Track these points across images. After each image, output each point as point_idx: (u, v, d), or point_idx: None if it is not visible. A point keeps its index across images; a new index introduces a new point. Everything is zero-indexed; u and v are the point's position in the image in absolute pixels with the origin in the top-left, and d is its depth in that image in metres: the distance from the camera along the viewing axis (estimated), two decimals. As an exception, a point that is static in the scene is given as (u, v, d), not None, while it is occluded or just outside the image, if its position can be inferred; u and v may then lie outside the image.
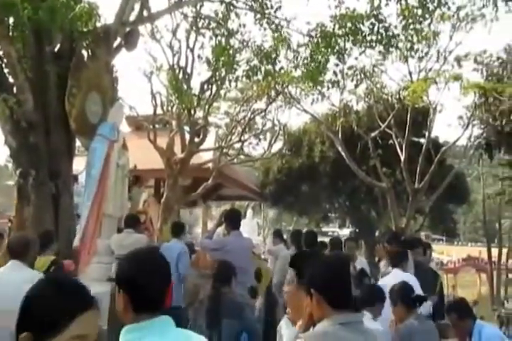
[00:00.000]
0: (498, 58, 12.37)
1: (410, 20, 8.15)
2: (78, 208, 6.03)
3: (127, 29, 6.59)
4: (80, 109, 5.90)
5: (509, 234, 33.30)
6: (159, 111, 10.34)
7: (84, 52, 6.19)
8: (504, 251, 33.02)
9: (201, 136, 10.48)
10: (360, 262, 5.75)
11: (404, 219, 14.85)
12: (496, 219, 31.27)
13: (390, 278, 4.43)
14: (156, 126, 10.60)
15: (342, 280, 1.88)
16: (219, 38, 8.04)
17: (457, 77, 11.44)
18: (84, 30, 6.27)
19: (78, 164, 6.58)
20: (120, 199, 6.19)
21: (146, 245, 5.40)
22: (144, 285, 1.52)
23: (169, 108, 10.29)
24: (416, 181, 14.21)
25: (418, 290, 4.01)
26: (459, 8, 11.30)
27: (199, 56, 8.90)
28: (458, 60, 13.03)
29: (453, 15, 11.05)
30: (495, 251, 31.42)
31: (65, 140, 5.95)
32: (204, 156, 11.52)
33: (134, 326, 1.50)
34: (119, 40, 6.58)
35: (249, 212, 19.01)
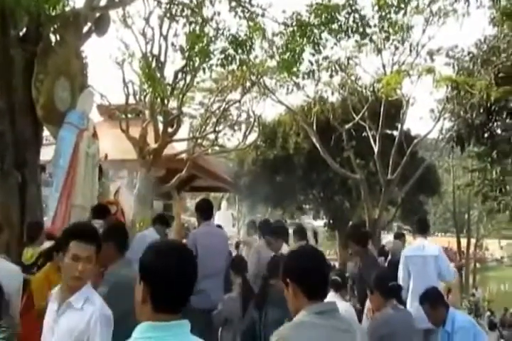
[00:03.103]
0: (469, 53, 12.59)
1: (386, 10, 8.17)
2: (46, 199, 5.84)
3: (97, 14, 6.36)
4: (47, 95, 5.66)
5: (477, 225, 34.40)
6: (132, 100, 10.10)
7: (52, 37, 5.94)
8: (472, 241, 34.14)
9: (175, 126, 10.31)
10: None
11: (377, 210, 15.11)
12: (465, 210, 32.20)
13: None
14: (129, 115, 10.37)
15: (317, 271, 1.89)
16: (193, 25, 7.87)
17: (430, 70, 11.62)
18: (52, 13, 6.01)
19: (46, 153, 6.35)
20: (90, 189, 6.02)
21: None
22: (171, 279, 1.40)
23: (142, 97, 10.06)
24: (389, 173, 14.44)
25: None
26: (431, 2, 11.45)
27: (173, 44, 8.72)
28: (430, 53, 13.24)
29: (427, 7, 11.16)
30: (464, 241, 32.39)
31: (32, 128, 5.71)
32: (178, 147, 11.36)
33: (150, 326, 1.39)
34: (89, 25, 6.35)
35: (224, 203, 18.96)
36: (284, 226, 5.77)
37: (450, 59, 12.98)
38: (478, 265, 38.18)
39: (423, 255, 4.95)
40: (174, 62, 9.21)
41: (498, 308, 21.90)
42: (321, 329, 1.78)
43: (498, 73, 11.27)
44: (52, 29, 5.92)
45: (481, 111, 11.78)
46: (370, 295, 3.82)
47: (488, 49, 11.79)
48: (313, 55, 8.80)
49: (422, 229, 5.28)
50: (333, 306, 1.88)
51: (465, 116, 11.95)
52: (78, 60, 6.25)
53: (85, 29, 6.34)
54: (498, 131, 12.44)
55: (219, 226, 6.27)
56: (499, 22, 9.49)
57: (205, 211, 4.96)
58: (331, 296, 3.96)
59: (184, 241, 6.17)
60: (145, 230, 5.97)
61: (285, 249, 4.97)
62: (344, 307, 3.86)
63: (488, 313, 21.02)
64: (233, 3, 7.72)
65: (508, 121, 11.77)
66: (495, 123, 12.35)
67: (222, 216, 16.89)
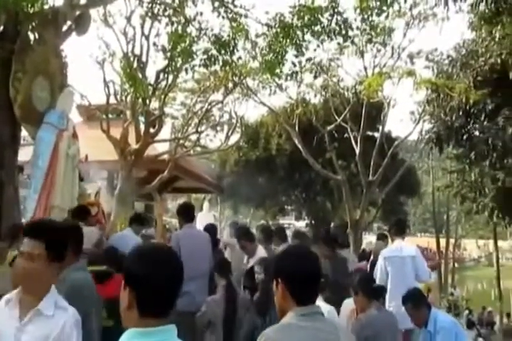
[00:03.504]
0: (449, 56, 12.83)
1: (368, 13, 8.25)
2: (24, 200, 5.72)
3: (78, 12, 6.25)
4: (25, 95, 5.54)
5: (456, 225, 35.00)
6: (112, 100, 9.96)
7: (31, 35, 5.82)
8: (451, 241, 34.72)
9: (157, 127, 10.21)
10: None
11: (358, 210, 15.23)
12: (444, 211, 32.72)
13: None
14: (109, 115, 10.22)
15: (310, 276, 1.86)
16: (175, 25, 7.80)
17: (410, 73, 11.79)
18: (31, 11, 5.89)
19: (24, 154, 6.21)
20: (70, 191, 5.92)
21: (98, 238, 5.20)
22: (157, 284, 1.37)
23: (123, 97, 9.93)
24: (370, 174, 14.58)
25: None
26: (412, 6, 11.64)
27: (155, 44, 8.61)
28: (410, 56, 13.47)
29: (408, 11, 11.32)
30: (443, 241, 32.93)
31: (10, 128, 5.58)
32: (159, 147, 11.26)
33: (137, 332, 1.36)
34: (68, 23, 6.24)
35: (206, 204, 18.85)
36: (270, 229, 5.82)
37: (430, 62, 13.23)
38: (456, 264, 38.84)
39: (401, 256, 5.04)
40: (156, 62, 9.12)
41: (475, 307, 22.32)
42: (306, 331, 1.79)
43: (476, 77, 11.50)
44: (30, 27, 5.80)
45: (460, 113, 12.00)
46: (354, 296, 3.85)
47: (467, 53, 12.02)
48: (296, 56, 8.82)
49: (400, 230, 5.36)
50: (318, 309, 1.88)
51: (444, 118, 12.16)
52: (57, 58, 6.13)
53: (65, 27, 6.23)
54: (477, 133, 12.67)
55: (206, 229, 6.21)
56: (477, 27, 9.70)
57: (187, 214, 4.97)
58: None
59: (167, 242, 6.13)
60: (124, 230, 5.88)
61: (262, 253, 4.98)
62: (327, 308, 3.90)
63: (467, 312, 21.39)
64: (216, 4, 7.69)
65: (486, 123, 12.00)
66: (473, 126, 12.59)
67: (204, 217, 16.74)
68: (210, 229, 5.91)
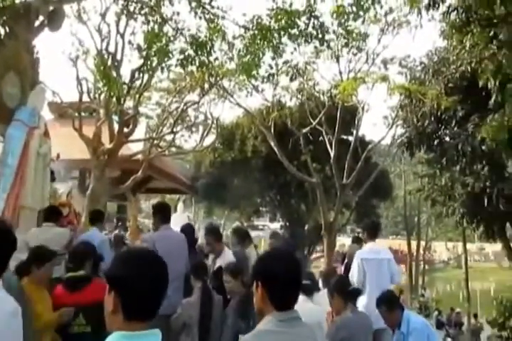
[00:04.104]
0: (421, 63, 13.13)
1: (345, 17, 8.36)
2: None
3: (51, 7, 6.12)
4: (-6, 91, 5.40)
5: (426, 228, 35.77)
6: (85, 98, 9.80)
7: (1, 29, 5.67)
8: (422, 243, 35.46)
9: (131, 126, 10.08)
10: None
11: (332, 213, 15.38)
12: (416, 214, 33.41)
13: None
14: (82, 113, 10.04)
15: (290, 281, 1.84)
16: (152, 24, 7.72)
17: (384, 78, 12.01)
18: (2, 5, 5.74)
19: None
20: (41, 190, 5.78)
21: (69, 240, 5.08)
22: (142, 288, 1.37)
23: (96, 95, 9.77)
24: (344, 177, 14.74)
25: None
26: (387, 13, 11.88)
27: (130, 42, 8.49)
28: (385, 62, 13.72)
29: (383, 17, 11.52)
30: (414, 244, 33.59)
31: (-23, 125, 5.43)
32: (134, 147, 11.13)
33: (122, 335, 1.36)
34: (41, 19, 6.10)
35: (180, 205, 18.70)
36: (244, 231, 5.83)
37: (403, 68, 13.51)
38: (426, 266, 39.67)
39: (379, 258, 5.13)
40: (131, 61, 8.98)
41: (445, 308, 22.82)
42: (284, 336, 1.79)
43: (447, 83, 11.80)
44: (1, 21, 5.65)
45: (432, 119, 12.29)
46: (330, 299, 3.88)
47: (439, 60, 12.34)
48: (273, 58, 8.88)
49: (374, 233, 5.45)
50: (296, 314, 1.87)
51: (416, 123, 12.43)
52: (29, 54, 5.99)
53: (37, 23, 6.09)
54: (447, 139, 12.99)
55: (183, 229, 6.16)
56: (449, 35, 9.96)
57: (163, 214, 4.88)
58: (302, 300, 4.03)
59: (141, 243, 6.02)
60: (88, 232, 5.71)
61: (230, 255, 4.98)
62: (315, 310, 3.97)
63: (436, 313, 21.86)
64: (193, 4, 7.65)
65: (456, 129, 12.32)
66: (444, 132, 12.90)
67: (178, 218, 16.63)
68: (188, 229, 5.90)
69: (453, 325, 20.94)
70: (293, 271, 1.85)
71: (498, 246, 19.29)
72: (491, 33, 8.42)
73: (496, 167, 11.91)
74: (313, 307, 4.05)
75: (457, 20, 8.81)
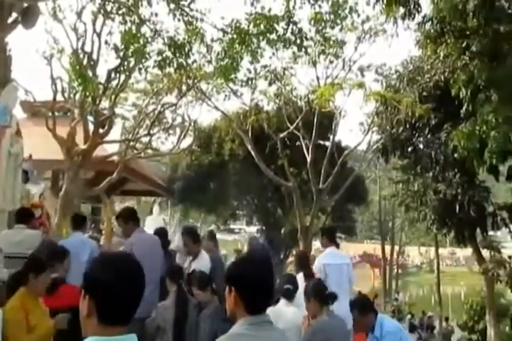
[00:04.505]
0: (397, 71, 13.38)
1: (323, 25, 8.47)
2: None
3: (25, 4, 6.01)
4: (-36, 88, 5.27)
5: (400, 233, 36.34)
6: (60, 97, 9.62)
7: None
8: (396, 248, 35.99)
9: (106, 127, 9.96)
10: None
11: (308, 217, 15.46)
12: (390, 218, 33.92)
13: None
14: (56, 113, 9.86)
15: (262, 286, 1.85)
16: (129, 24, 7.66)
17: (361, 85, 12.19)
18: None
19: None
20: (12, 191, 5.66)
21: (41, 241, 4.97)
22: (118, 292, 1.35)
23: (71, 95, 9.61)
24: (320, 182, 14.87)
25: None
26: (364, 21, 12.09)
27: (106, 42, 8.40)
28: (361, 69, 13.92)
29: (360, 25, 11.70)
30: (388, 248, 34.07)
31: None
32: (109, 149, 10.98)
33: (96, 340, 1.33)
34: (14, 15, 5.98)
35: (156, 208, 18.52)
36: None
37: (379, 76, 13.73)
38: (400, 270, 40.25)
39: (340, 263, 5.26)
40: (108, 61, 8.89)
41: (417, 311, 23.18)
42: (255, 339, 1.81)
43: (421, 92, 12.06)
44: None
45: (406, 126, 12.52)
46: (306, 302, 3.91)
47: (414, 69, 12.59)
48: (252, 63, 8.92)
49: (333, 238, 5.60)
50: (268, 318, 1.89)
51: (391, 130, 12.65)
52: (1, 51, 5.87)
53: (11, 20, 5.97)
54: (421, 147, 13.24)
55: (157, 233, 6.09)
56: (423, 45, 10.18)
57: (135, 218, 4.83)
58: (282, 304, 4.09)
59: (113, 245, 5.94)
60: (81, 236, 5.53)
61: (206, 259, 4.98)
62: (295, 314, 4.04)
63: (409, 316, 22.20)
64: (172, 6, 7.63)
65: (429, 137, 12.58)
66: (418, 139, 13.16)
67: (153, 221, 16.45)
68: (161, 232, 5.86)
69: (425, 328, 21.31)
70: (265, 275, 1.86)
71: (468, 251, 19.71)
72: (464, 44, 8.64)
73: (467, 174, 12.20)
74: (294, 311, 4.09)
75: (432, 30, 9.01)
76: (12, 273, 3.50)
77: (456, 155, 10.03)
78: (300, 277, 4.85)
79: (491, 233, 14.51)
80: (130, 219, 4.79)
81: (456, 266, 49.98)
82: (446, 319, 21.43)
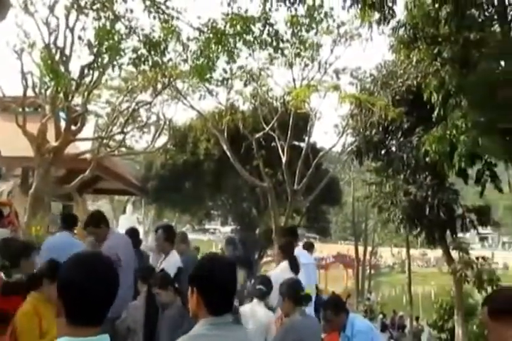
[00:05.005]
0: (371, 75, 13.61)
1: (298, 28, 8.52)
2: None
3: (-5, -3, 5.84)
4: None
5: (373, 234, 36.91)
6: (30, 93, 9.39)
7: None
8: (369, 248, 36.53)
9: (79, 124, 9.77)
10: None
11: (283, 218, 15.54)
12: (363, 220, 34.41)
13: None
14: (26, 109, 9.62)
15: (225, 288, 1.83)
16: (103, 20, 7.54)
17: (336, 87, 12.34)
18: None
19: None
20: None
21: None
22: (88, 292, 1.33)
23: (42, 90, 9.39)
24: (295, 182, 14.96)
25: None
26: (339, 25, 12.24)
27: (80, 37, 8.23)
28: (336, 72, 14.10)
29: (336, 29, 11.84)
30: (361, 249, 34.55)
31: None
32: (81, 146, 10.79)
33: (66, 340, 1.31)
34: (-17, 8, 5.79)
35: (129, 207, 18.34)
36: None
37: (354, 79, 13.94)
38: (372, 271, 40.88)
39: (307, 263, 5.31)
40: (81, 57, 8.70)
41: (389, 311, 23.58)
42: (216, 339, 1.80)
43: (395, 96, 12.30)
44: None
45: (380, 129, 12.74)
46: (281, 301, 3.96)
47: (387, 73, 12.84)
48: (228, 63, 8.90)
49: (297, 239, 5.71)
50: (230, 319, 1.87)
51: (365, 132, 12.84)
52: (-32, 45, 5.69)
53: (-21, 12, 5.79)
54: (394, 149, 13.48)
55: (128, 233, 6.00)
56: (397, 50, 10.38)
57: (105, 220, 4.78)
58: (255, 304, 4.13)
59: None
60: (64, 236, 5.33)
61: (177, 260, 4.94)
62: (265, 313, 4.09)
63: (381, 316, 22.56)
64: (148, 3, 7.55)
65: (402, 140, 12.82)
66: (391, 142, 13.40)
67: (127, 220, 16.29)
68: (132, 232, 5.81)
69: (396, 327, 21.72)
70: (227, 276, 1.84)
71: (439, 252, 20.16)
72: (436, 51, 8.85)
73: (437, 177, 12.49)
74: (264, 311, 4.14)
75: (405, 36, 9.21)
76: (25, 276, 3.39)
77: (427, 158, 10.26)
78: (284, 266, 4.89)
79: (460, 235, 14.87)
80: (101, 222, 4.72)
81: (427, 266, 51.05)
82: (417, 318, 21.85)
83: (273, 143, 15.45)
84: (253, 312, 4.05)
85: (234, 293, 1.89)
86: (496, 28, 8.59)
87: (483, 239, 53.20)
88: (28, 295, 3.16)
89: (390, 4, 7.62)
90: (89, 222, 4.75)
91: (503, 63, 8.36)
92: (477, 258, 13.27)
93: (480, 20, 8.58)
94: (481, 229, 15.35)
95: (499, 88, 7.63)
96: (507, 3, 8.26)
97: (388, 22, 8.22)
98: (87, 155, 10.57)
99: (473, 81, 8.22)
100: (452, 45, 8.59)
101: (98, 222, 4.71)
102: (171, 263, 4.79)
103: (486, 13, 8.51)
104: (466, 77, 8.42)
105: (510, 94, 7.41)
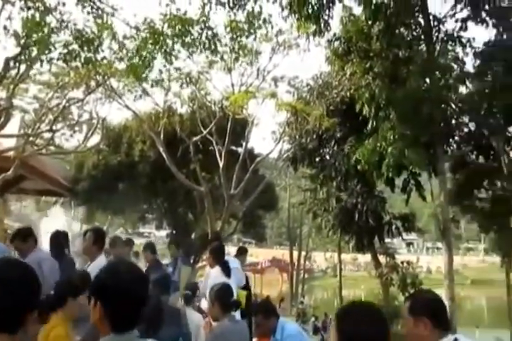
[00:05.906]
0: (308, 85, 13.99)
1: (238, 33, 8.56)
2: None
3: None
4: None
5: (308, 239, 37.76)
6: None
7: None
8: (303, 253, 37.31)
9: (2, 120, 9.17)
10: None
11: (219, 222, 15.48)
12: (298, 225, 35.11)
13: None
14: None
15: (128, 298, 1.61)
16: (32, 11, 7.14)
17: (273, 95, 12.53)
18: None
19: None
20: None
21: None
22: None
23: (-39, 82, 8.73)
24: (232, 187, 14.96)
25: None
26: (278, 33, 12.45)
27: (5, 27, 7.74)
28: (275, 80, 14.32)
29: (274, 37, 12.02)
30: (296, 254, 35.20)
31: None
32: (5, 143, 10.14)
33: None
34: None
35: (57, 209, 17.44)
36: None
37: (291, 87, 14.25)
38: (306, 275, 41.79)
39: (233, 267, 5.30)
40: (7, 48, 8.20)
41: (321, 314, 24.15)
42: None
43: (329, 106, 12.73)
44: None
45: (314, 137, 13.10)
46: (210, 306, 3.91)
47: (323, 83, 13.28)
48: (165, 65, 8.77)
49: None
50: (134, 337, 1.65)
51: (300, 140, 13.14)
52: None
53: None
54: (327, 157, 13.91)
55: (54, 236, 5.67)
56: (332, 61, 10.75)
57: (33, 235, 4.63)
58: (182, 306, 4.06)
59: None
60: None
61: (100, 263, 4.78)
62: (196, 318, 4.17)
63: (313, 319, 23.03)
64: (81, -3, 7.26)
65: (335, 149, 13.25)
66: (324, 150, 13.81)
67: (53, 223, 15.45)
68: (57, 236, 5.48)
69: (328, 330, 22.24)
70: (133, 286, 1.62)
71: (369, 257, 21.01)
72: (368, 65, 9.26)
73: (367, 185, 13.02)
74: (196, 314, 4.30)
75: (340, 48, 9.55)
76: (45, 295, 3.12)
77: (358, 167, 10.67)
78: (217, 270, 4.91)
79: (387, 240, 15.59)
80: (29, 236, 4.60)
81: (358, 270, 53.05)
82: (347, 321, 22.47)
83: (211, 147, 15.35)
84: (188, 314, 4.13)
85: (142, 305, 1.66)
86: (423, 47, 9.13)
87: (409, 244, 56.15)
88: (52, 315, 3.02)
89: (326, 18, 7.87)
90: (16, 235, 4.66)
91: (428, 80, 8.89)
92: (402, 263, 13.94)
93: (408, 39, 9.08)
94: (406, 235, 16.18)
95: (423, 104, 8.11)
96: (432, 24, 8.80)
97: (324, 34, 8.49)
98: (11, 153, 9.97)
99: (401, 96, 8.67)
100: (383, 61, 9.02)
101: (26, 236, 4.60)
102: (96, 267, 4.59)
103: (414, 33, 9.02)
104: (394, 92, 8.86)
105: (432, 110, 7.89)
